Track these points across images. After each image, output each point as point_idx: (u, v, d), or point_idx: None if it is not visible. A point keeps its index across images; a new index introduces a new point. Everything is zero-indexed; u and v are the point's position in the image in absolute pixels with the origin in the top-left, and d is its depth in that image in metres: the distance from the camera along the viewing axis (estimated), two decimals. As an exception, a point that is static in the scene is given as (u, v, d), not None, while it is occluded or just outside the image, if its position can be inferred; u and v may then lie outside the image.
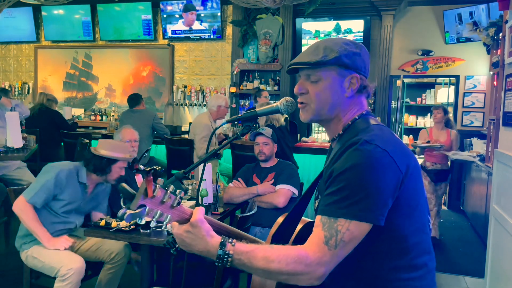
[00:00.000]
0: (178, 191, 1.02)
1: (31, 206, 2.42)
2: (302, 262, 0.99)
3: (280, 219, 1.22)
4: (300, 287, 1.05)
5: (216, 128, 1.47)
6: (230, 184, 3.20)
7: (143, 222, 0.98)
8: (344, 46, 1.12)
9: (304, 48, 6.30)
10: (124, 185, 0.97)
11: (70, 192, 2.52)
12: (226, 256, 1.01)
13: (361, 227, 0.99)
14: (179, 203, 1.02)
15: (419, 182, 1.08)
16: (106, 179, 2.61)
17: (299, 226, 1.19)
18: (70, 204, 2.53)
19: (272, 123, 3.80)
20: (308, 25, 6.26)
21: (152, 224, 1.00)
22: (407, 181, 1.03)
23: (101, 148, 2.59)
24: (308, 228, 1.11)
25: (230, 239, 1.04)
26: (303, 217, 1.23)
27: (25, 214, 2.42)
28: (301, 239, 1.08)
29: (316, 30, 6.25)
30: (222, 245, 1.02)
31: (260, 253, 1.01)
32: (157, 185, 0.98)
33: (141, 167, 0.76)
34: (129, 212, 0.95)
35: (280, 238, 1.17)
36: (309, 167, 4.61)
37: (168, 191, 0.99)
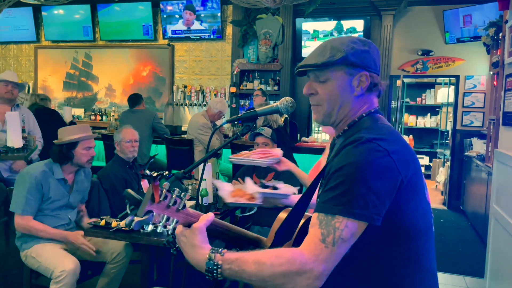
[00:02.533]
0: (183, 194, 1.01)
1: (29, 217, 2.42)
2: (296, 261, 0.95)
3: (282, 215, 1.19)
4: None
5: (217, 128, 1.48)
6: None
7: (149, 229, 0.96)
8: (351, 45, 1.10)
9: (304, 49, 6.30)
10: (130, 191, 0.96)
11: (53, 189, 2.52)
12: (215, 267, 0.97)
13: (358, 226, 0.97)
14: (184, 206, 1.01)
15: (420, 188, 1.07)
16: (77, 165, 2.58)
17: (302, 221, 1.17)
18: (57, 201, 2.54)
19: (270, 124, 3.78)
20: (308, 25, 6.26)
21: (159, 230, 0.98)
22: (407, 184, 1.01)
23: (61, 136, 2.59)
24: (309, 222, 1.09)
25: (220, 249, 1.00)
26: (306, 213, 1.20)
27: (33, 228, 2.43)
28: (304, 234, 1.05)
29: (315, 30, 6.25)
30: (211, 256, 0.98)
31: (251, 257, 0.98)
32: (164, 190, 0.97)
33: (147, 172, 0.75)
34: (136, 219, 0.93)
35: (284, 235, 1.14)
36: (309, 167, 4.57)
37: (174, 195, 0.98)
